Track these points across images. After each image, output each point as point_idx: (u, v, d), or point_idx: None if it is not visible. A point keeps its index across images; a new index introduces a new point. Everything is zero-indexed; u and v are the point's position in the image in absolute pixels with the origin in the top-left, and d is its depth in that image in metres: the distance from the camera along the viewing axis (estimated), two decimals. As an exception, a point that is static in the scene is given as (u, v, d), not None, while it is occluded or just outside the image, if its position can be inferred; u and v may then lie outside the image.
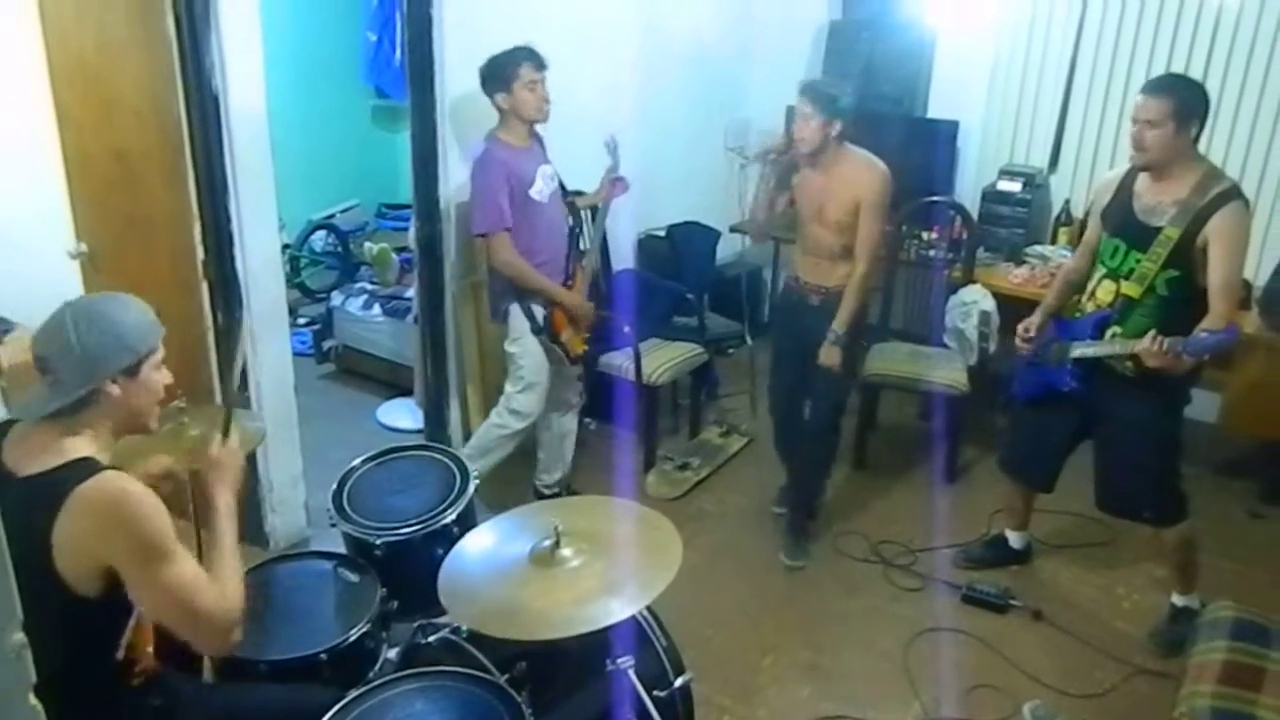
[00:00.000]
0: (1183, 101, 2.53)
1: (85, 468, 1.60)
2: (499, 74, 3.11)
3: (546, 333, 3.31)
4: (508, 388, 3.41)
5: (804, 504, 3.50)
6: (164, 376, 1.75)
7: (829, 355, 3.16)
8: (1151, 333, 2.51)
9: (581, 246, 3.61)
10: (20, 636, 0.78)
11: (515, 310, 3.30)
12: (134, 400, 1.70)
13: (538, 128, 3.28)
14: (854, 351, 3.36)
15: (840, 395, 3.40)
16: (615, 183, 3.54)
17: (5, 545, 0.76)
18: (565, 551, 1.90)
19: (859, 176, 3.09)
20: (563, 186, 3.40)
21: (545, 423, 3.55)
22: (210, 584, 1.65)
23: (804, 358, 3.29)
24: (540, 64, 3.12)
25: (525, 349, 3.33)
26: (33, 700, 0.81)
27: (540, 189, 3.23)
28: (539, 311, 3.29)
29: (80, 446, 1.63)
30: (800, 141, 3.06)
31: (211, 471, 1.84)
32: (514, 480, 3.71)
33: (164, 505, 1.62)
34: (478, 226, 3.21)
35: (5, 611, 0.77)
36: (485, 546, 2.02)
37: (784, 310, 3.44)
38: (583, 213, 3.77)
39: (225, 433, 1.91)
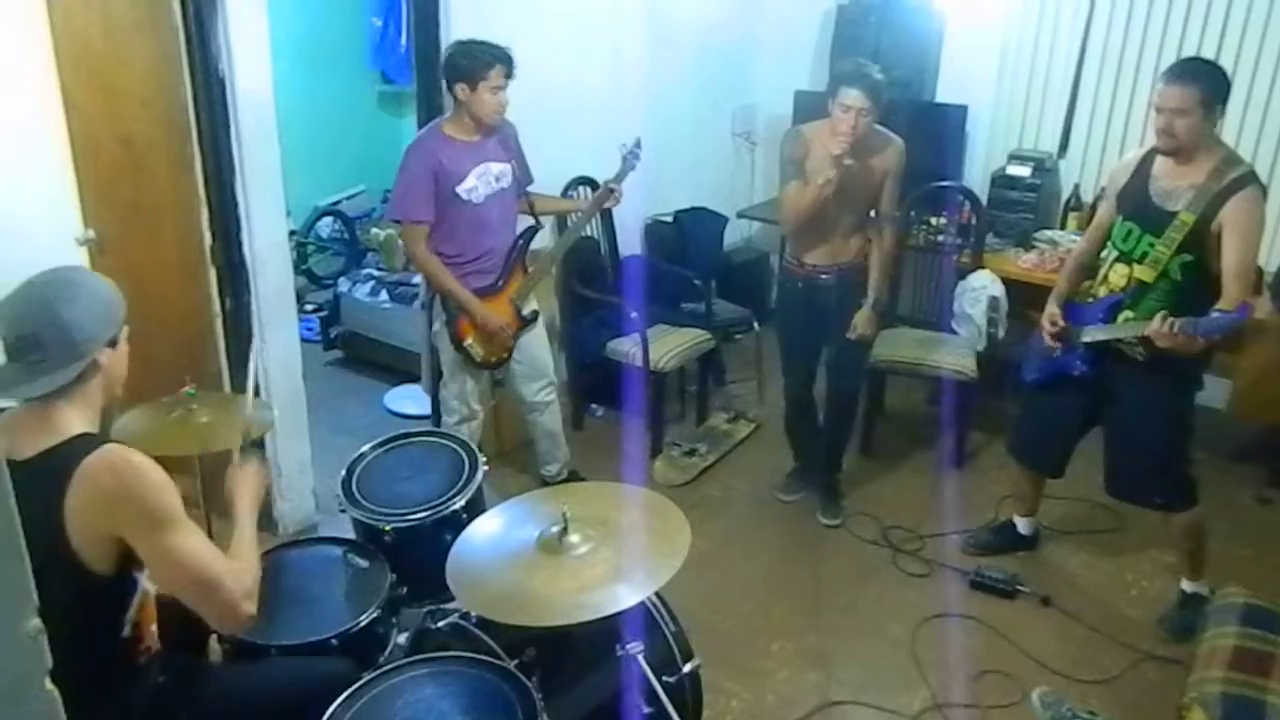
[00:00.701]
0: (1208, 88, 2.52)
1: (86, 443, 1.61)
2: (468, 67, 2.96)
3: (450, 334, 3.22)
4: None
5: (836, 467, 3.61)
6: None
7: (869, 323, 3.26)
8: (1162, 313, 2.49)
9: (555, 246, 3.54)
10: (37, 622, 0.78)
11: (438, 302, 3.25)
12: (117, 369, 1.73)
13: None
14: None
15: (865, 363, 3.56)
16: (609, 193, 3.39)
17: (20, 530, 0.76)
18: (573, 538, 1.89)
19: (884, 153, 3.13)
20: (527, 189, 3.32)
21: (528, 420, 3.54)
22: (224, 559, 1.68)
23: (820, 338, 3.35)
24: (511, 72, 3.01)
25: (442, 346, 3.30)
26: (49, 685, 0.81)
27: (472, 187, 3.07)
28: (451, 311, 3.19)
29: (74, 422, 1.64)
30: (857, 135, 2.96)
31: (232, 483, 1.92)
32: (523, 467, 3.72)
33: (170, 480, 1.63)
34: (389, 213, 3.22)
35: (21, 597, 0.77)
36: (493, 532, 2.02)
37: (791, 294, 3.42)
38: (571, 217, 3.67)
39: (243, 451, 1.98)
